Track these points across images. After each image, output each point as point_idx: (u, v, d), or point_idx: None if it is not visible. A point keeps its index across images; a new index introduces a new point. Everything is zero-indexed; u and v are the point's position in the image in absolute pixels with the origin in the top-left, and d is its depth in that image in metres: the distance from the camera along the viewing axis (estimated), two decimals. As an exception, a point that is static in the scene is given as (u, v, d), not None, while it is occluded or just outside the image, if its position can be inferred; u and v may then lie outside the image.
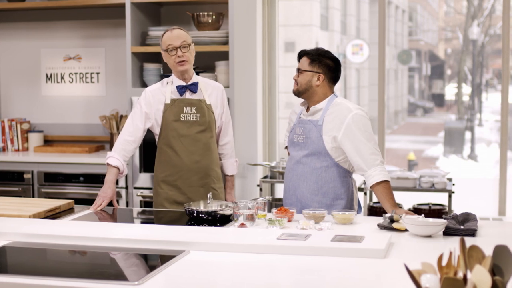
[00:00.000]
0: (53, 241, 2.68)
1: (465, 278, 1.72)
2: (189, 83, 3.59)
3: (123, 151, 3.57)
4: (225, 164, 3.83)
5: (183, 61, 3.51)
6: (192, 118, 3.57)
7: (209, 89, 3.67)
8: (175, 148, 3.58)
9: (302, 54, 3.38)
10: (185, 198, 3.58)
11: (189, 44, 3.54)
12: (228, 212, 3.08)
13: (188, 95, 3.59)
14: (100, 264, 2.48)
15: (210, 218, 3.05)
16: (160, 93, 3.60)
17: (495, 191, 5.70)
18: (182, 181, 3.59)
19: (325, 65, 3.32)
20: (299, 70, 3.35)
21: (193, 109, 3.57)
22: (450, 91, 23.40)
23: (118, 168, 3.54)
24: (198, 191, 3.59)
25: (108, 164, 3.55)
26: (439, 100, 23.44)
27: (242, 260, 2.43)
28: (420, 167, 14.08)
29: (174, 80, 3.60)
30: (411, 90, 24.10)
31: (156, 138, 3.67)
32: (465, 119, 18.65)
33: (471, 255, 1.76)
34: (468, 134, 17.41)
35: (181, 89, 3.57)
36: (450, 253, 1.78)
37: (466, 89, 20.25)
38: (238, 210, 2.96)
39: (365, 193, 4.96)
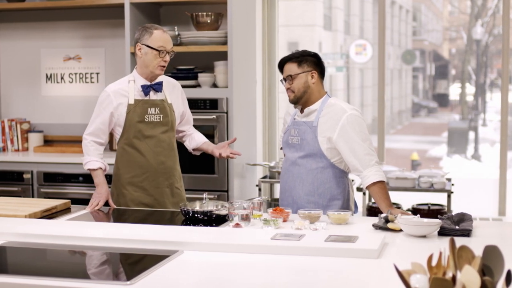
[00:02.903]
0: (48, 241, 2.68)
1: (454, 279, 1.72)
2: (153, 82, 3.53)
3: (97, 151, 3.54)
4: (194, 135, 3.76)
5: (165, 67, 3.49)
6: (156, 119, 3.52)
7: (169, 87, 3.62)
8: (140, 149, 3.52)
9: (284, 62, 3.35)
10: (152, 200, 3.54)
11: (173, 51, 3.53)
12: (223, 212, 3.07)
13: (152, 94, 3.53)
14: (93, 263, 2.48)
15: (205, 218, 3.04)
16: (122, 93, 3.51)
17: (497, 191, 5.68)
18: (148, 182, 3.53)
19: (312, 62, 3.33)
20: (290, 77, 3.32)
21: (157, 110, 3.51)
22: (454, 91, 23.39)
23: (101, 168, 3.53)
24: (164, 192, 3.55)
25: (89, 169, 3.53)
26: (443, 100, 23.43)
27: (236, 260, 2.42)
28: (424, 167, 14.06)
29: (137, 79, 3.53)
30: (415, 90, 24.10)
31: (116, 138, 3.59)
32: (469, 119, 18.63)
33: (460, 255, 1.76)
34: (472, 134, 17.38)
35: (146, 89, 3.50)
36: (440, 253, 1.77)
37: (470, 89, 20.23)
38: (233, 210, 2.95)
39: (364, 194, 4.94)
